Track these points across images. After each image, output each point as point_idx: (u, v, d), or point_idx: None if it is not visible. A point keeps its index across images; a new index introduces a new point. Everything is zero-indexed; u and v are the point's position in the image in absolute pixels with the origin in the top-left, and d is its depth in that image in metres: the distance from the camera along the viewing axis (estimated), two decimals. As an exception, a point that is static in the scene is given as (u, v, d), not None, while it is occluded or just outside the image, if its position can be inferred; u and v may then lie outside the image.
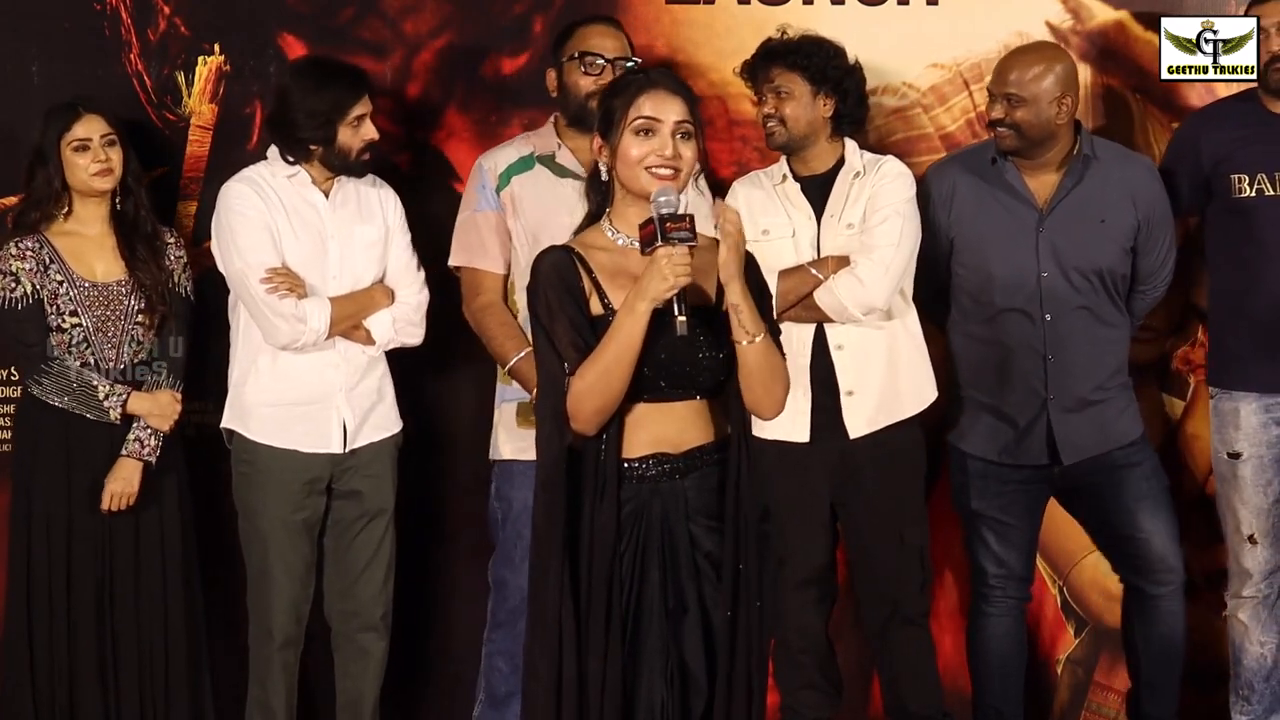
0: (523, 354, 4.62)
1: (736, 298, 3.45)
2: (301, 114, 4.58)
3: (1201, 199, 4.82)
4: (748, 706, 3.55)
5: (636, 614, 3.51)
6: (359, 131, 4.62)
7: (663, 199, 3.43)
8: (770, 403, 3.56)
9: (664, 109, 3.51)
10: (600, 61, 4.65)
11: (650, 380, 3.49)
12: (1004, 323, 4.69)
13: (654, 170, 3.49)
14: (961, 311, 4.77)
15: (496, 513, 4.82)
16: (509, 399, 4.76)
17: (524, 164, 4.74)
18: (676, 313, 3.40)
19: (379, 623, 4.77)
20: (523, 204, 4.70)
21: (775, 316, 4.55)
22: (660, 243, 3.39)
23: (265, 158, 4.71)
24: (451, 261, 4.78)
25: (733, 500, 3.53)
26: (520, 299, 4.69)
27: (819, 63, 4.61)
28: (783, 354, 3.58)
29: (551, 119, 4.82)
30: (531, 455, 4.56)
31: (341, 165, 4.64)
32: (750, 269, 3.56)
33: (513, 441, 4.75)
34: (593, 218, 3.65)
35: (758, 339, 3.47)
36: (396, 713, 5.05)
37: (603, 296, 3.52)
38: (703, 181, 4.68)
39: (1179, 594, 4.81)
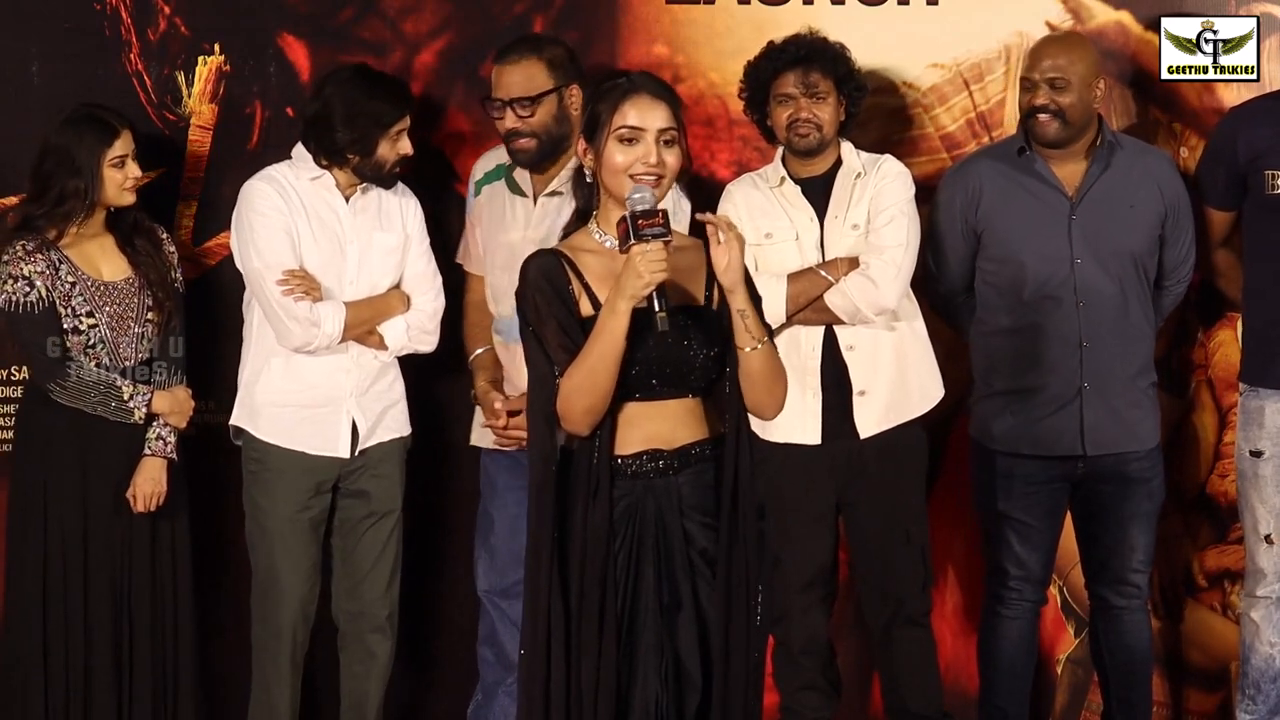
0: (479, 351, 4.82)
1: (742, 303, 3.46)
2: (344, 123, 4.58)
3: (1238, 195, 4.83)
4: (744, 705, 3.55)
5: (632, 611, 3.51)
6: (397, 145, 4.64)
7: (635, 196, 3.45)
8: (772, 403, 3.57)
9: (648, 117, 3.53)
10: (498, 103, 4.66)
11: (641, 379, 3.50)
12: (1037, 312, 4.69)
13: (638, 178, 3.51)
14: (988, 307, 4.79)
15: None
16: None
17: (497, 173, 4.80)
18: (657, 309, 3.41)
19: (385, 623, 4.78)
20: (481, 212, 4.80)
21: (785, 319, 4.58)
22: (634, 240, 3.40)
23: (290, 157, 4.70)
24: (458, 258, 4.91)
25: (729, 497, 3.53)
26: (493, 303, 4.79)
27: (844, 67, 4.65)
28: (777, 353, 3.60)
29: None
30: (483, 442, 4.77)
31: (374, 176, 4.66)
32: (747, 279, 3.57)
33: (476, 429, 4.90)
34: (580, 215, 3.66)
35: (761, 345, 3.48)
36: (398, 712, 5.05)
37: (593, 298, 3.53)
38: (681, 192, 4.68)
39: (1144, 608, 4.84)
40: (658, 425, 3.54)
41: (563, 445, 3.51)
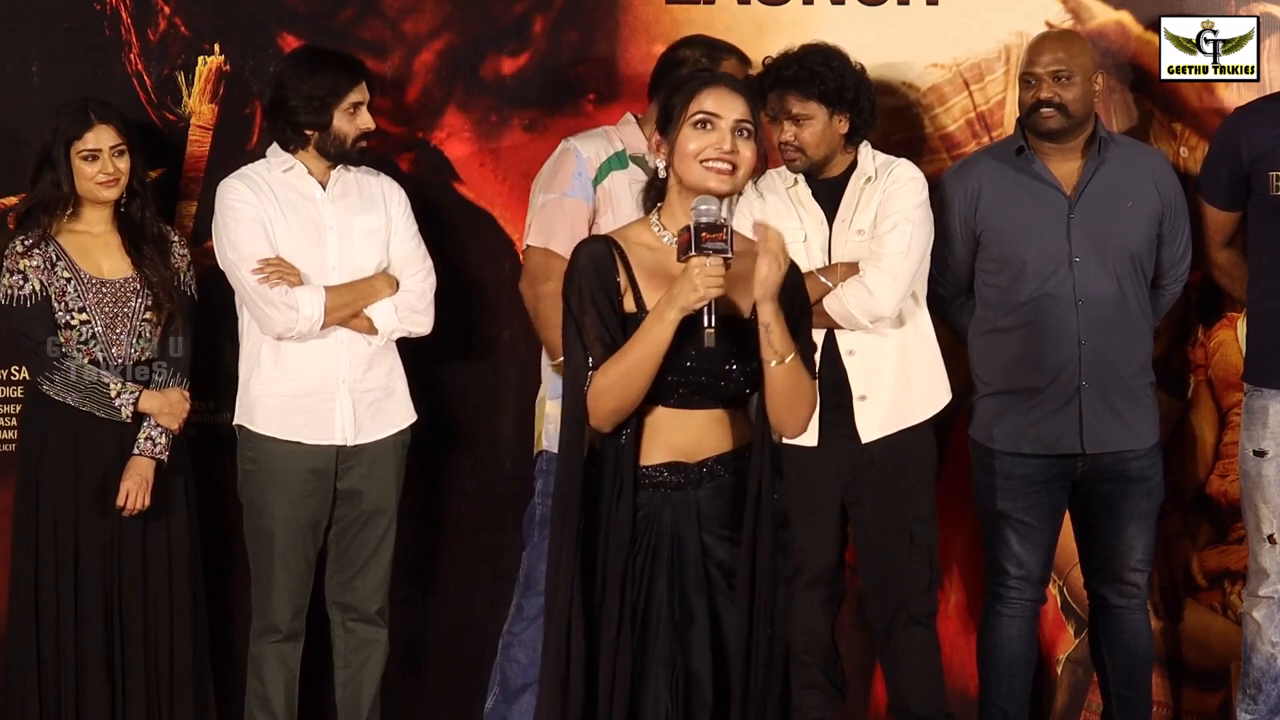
0: None
1: (768, 317, 3.41)
2: (297, 98, 4.60)
3: (1241, 195, 4.83)
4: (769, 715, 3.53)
5: (644, 620, 3.48)
6: (355, 119, 4.63)
7: (703, 207, 3.40)
8: (793, 422, 3.53)
9: (725, 106, 3.48)
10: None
11: (673, 387, 3.47)
12: (1037, 311, 4.70)
13: (710, 164, 3.45)
14: (987, 307, 4.79)
15: (536, 508, 4.79)
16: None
17: (619, 160, 4.69)
18: (706, 324, 3.37)
19: (376, 615, 4.78)
20: (619, 201, 4.64)
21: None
22: (695, 252, 3.36)
23: (265, 156, 4.72)
24: (531, 240, 4.69)
25: (752, 511, 3.49)
26: None
27: (834, 85, 4.56)
28: (814, 375, 3.55)
29: (629, 117, 4.78)
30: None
31: (337, 153, 4.65)
32: (797, 287, 3.53)
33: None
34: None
35: (786, 360, 3.44)
36: (398, 706, 5.04)
37: (637, 295, 3.48)
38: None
39: (1143, 608, 4.85)
40: (682, 436, 3.50)
41: (589, 442, 3.48)
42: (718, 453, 3.53)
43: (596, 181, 4.68)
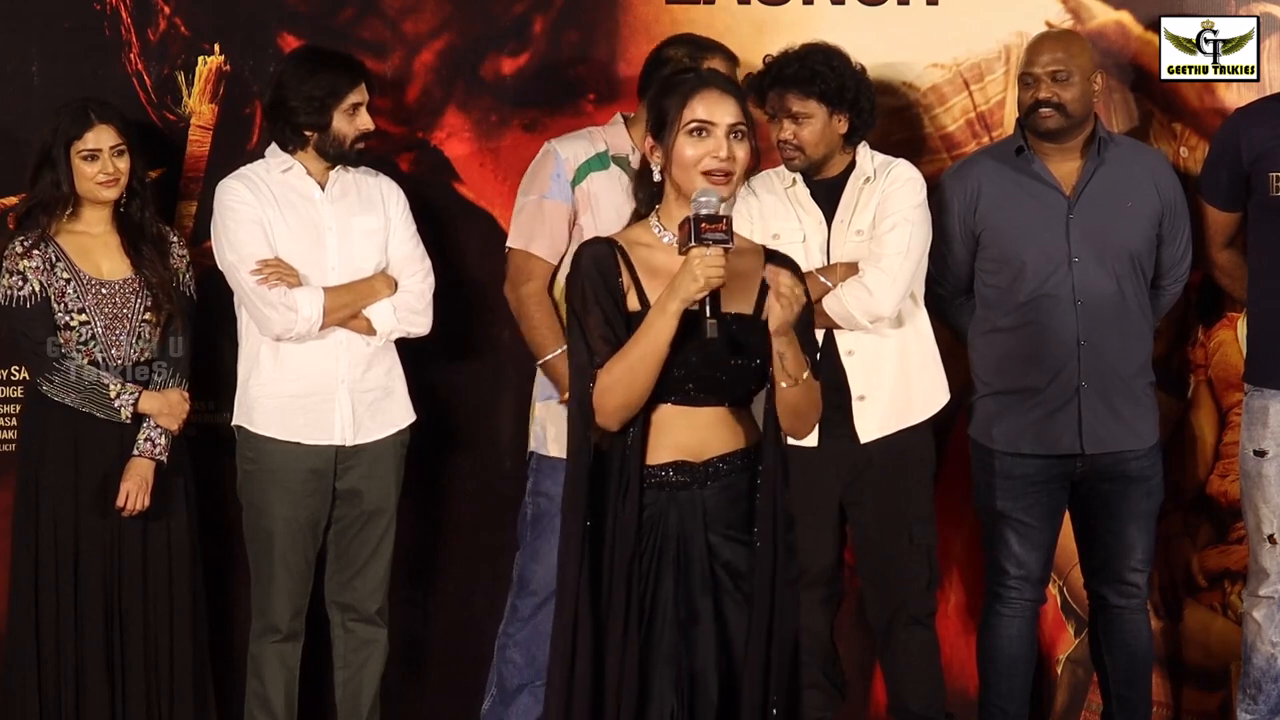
0: (558, 351, 4.64)
1: (783, 347, 3.43)
2: (297, 99, 4.60)
3: (1242, 196, 4.83)
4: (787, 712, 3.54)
5: (649, 620, 3.49)
6: (354, 120, 4.64)
7: (703, 199, 3.42)
8: (801, 427, 3.55)
9: (718, 111, 3.50)
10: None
11: (680, 383, 3.48)
12: (1036, 311, 4.70)
13: (710, 174, 3.47)
14: (987, 306, 4.79)
15: (528, 508, 4.81)
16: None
17: (600, 161, 4.71)
18: (707, 315, 3.38)
19: (376, 615, 4.78)
20: (599, 202, 4.67)
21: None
22: (694, 243, 3.38)
23: (264, 156, 4.72)
24: (512, 243, 4.75)
25: (768, 513, 3.49)
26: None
27: (834, 84, 4.57)
28: (818, 376, 3.54)
29: (618, 118, 4.80)
30: (555, 452, 4.61)
31: (336, 154, 4.65)
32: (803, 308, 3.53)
33: (562, 439, 4.74)
34: (639, 217, 3.63)
35: (795, 384, 3.45)
36: (397, 706, 5.04)
37: (641, 293, 3.50)
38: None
39: (1143, 608, 4.86)
40: (688, 435, 3.50)
41: (595, 443, 3.48)
42: (724, 452, 3.53)
43: (575, 183, 4.70)
